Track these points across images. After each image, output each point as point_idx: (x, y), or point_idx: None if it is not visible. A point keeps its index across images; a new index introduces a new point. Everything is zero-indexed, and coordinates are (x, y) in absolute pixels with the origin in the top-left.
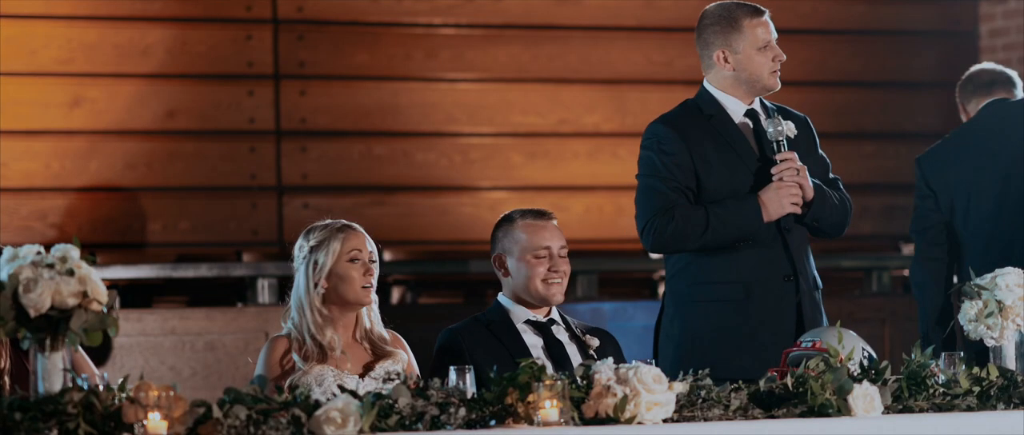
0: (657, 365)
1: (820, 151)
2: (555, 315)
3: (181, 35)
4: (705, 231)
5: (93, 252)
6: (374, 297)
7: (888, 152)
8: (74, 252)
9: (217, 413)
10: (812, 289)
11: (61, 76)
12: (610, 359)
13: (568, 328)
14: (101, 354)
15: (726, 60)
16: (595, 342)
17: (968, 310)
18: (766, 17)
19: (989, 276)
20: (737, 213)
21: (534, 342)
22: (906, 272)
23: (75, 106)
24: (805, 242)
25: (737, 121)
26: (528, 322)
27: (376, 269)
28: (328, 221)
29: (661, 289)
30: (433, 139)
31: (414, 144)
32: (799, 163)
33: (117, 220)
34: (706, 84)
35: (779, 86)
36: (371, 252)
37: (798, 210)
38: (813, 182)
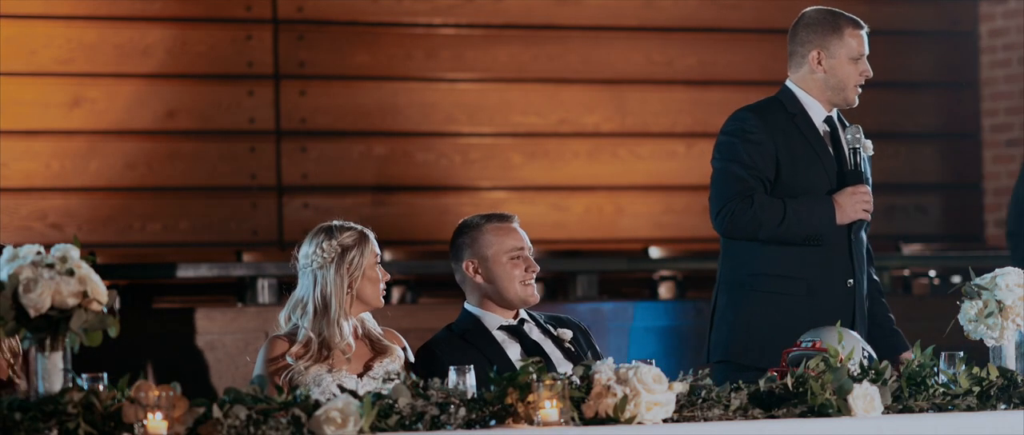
0: (710, 354)
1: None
2: (524, 314)
3: (181, 35)
4: (781, 223)
5: (93, 252)
6: None
7: (888, 152)
8: (74, 252)
9: (217, 413)
10: (865, 299)
11: (61, 76)
12: (607, 360)
13: (538, 325)
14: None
15: (820, 62)
16: (568, 334)
17: (968, 310)
18: (864, 32)
19: (989, 276)
20: (813, 211)
21: (512, 347)
22: (907, 272)
23: (75, 106)
24: (865, 254)
25: (817, 124)
26: (502, 328)
27: None
28: (339, 222)
29: (661, 289)
30: (433, 139)
31: (414, 144)
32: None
33: (117, 220)
34: (789, 83)
35: (857, 103)
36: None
37: (868, 217)
38: None
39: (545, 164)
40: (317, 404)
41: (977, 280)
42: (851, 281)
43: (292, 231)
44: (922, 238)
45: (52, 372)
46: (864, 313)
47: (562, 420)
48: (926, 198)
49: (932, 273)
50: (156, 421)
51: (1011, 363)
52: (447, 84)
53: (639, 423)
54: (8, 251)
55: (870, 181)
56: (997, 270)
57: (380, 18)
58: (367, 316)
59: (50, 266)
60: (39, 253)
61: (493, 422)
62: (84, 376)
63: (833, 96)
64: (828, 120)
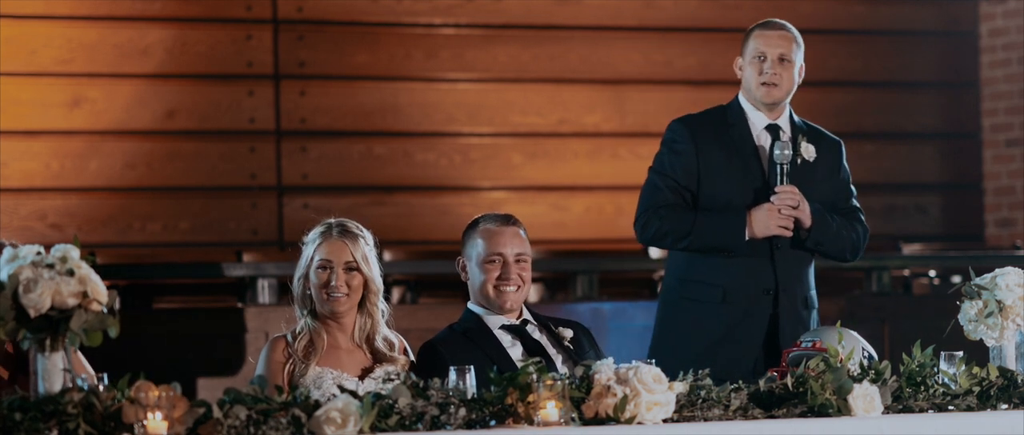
0: (650, 355)
1: (844, 176)
2: (527, 315)
3: (181, 35)
4: (686, 236)
5: (93, 252)
6: (382, 305)
7: (888, 152)
8: (74, 252)
9: (217, 413)
10: (797, 307)
11: (61, 76)
12: (592, 353)
13: (541, 324)
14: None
15: (740, 68)
16: (569, 333)
17: (968, 310)
18: (773, 32)
19: (989, 276)
20: (721, 226)
21: (513, 346)
22: (906, 272)
23: (75, 106)
24: (803, 262)
25: (755, 133)
26: (503, 327)
27: (364, 276)
28: (334, 219)
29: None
30: (433, 139)
31: (414, 144)
32: (798, 196)
33: (117, 220)
34: (739, 92)
35: (770, 99)
36: (351, 260)
37: (786, 233)
38: (815, 208)
39: (545, 164)
40: (317, 404)
41: (977, 280)
42: (770, 290)
43: (292, 231)
44: (922, 238)
45: (52, 372)
46: (802, 321)
47: (562, 420)
48: (926, 198)
49: (932, 273)
50: (156, 421)
51: (1011, 363)
52: (447, 84)
53: (639, 423)
54: (8, 251)
55: (850, 189)
56: (997, 270)
57: (380, 18)
58: (376, 325)
59: (50, 266)
60: (39, 253)
61: (493, 422)
62: (84, 376)
63: (752, 99)
64: (771, 128)
